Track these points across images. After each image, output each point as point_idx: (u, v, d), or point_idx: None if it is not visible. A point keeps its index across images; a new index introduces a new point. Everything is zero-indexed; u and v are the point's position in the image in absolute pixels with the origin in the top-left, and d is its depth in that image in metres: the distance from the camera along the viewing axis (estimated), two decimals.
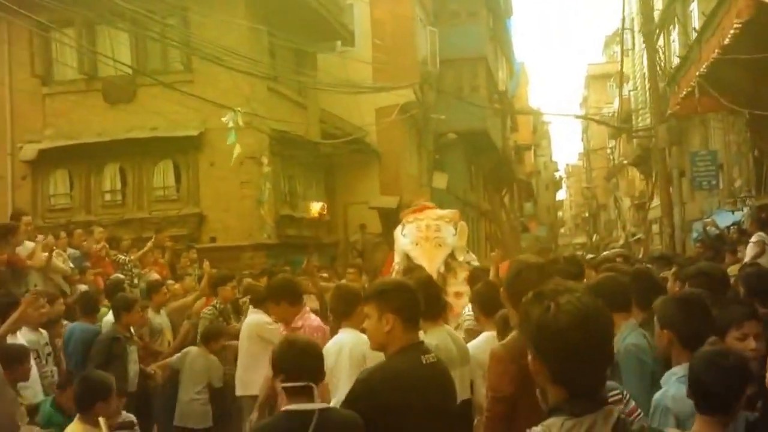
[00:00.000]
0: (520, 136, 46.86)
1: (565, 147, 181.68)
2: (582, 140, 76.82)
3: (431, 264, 8.23)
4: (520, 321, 2.47)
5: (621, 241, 44.72)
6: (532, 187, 55.64)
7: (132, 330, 8.01)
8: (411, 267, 8.35)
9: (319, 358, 3.49)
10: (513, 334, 3.63)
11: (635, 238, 38.92)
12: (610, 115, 42.98)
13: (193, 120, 15.79)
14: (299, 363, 3.34)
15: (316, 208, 17.81)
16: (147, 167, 16.46)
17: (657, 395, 3.52)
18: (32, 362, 7.19)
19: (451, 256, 8.56)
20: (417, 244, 8.59)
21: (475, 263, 8.70)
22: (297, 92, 18.73)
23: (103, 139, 16.01)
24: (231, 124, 12.89)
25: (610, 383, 3.94)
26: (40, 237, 10.66)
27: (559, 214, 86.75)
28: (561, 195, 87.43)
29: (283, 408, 3.37)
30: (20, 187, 16.46)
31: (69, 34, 16.05)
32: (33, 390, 7.13)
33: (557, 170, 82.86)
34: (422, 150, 22.12)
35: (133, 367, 7.83)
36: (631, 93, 34.16)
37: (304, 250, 16.86)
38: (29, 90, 16.37)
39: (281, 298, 5.82)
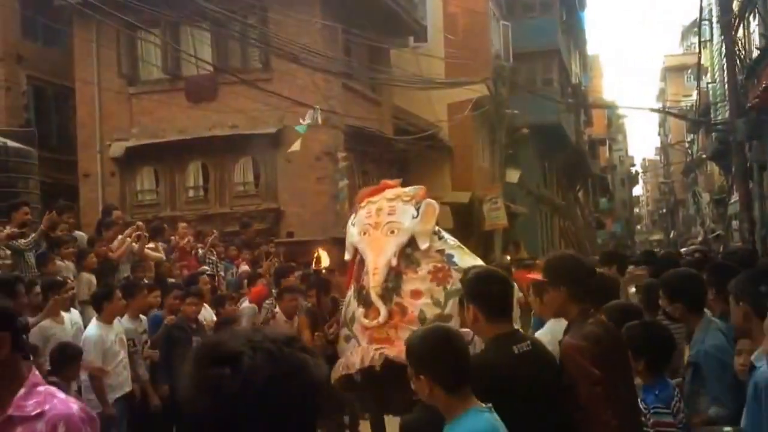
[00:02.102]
0: (595, 130, 46.24)
1: (642, 141, 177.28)
2: (659, 134, 75.26)
3: (378, 257, 6.63)
4: None
5: (699, 238, 43.72)
6: (607, 182, 54.75)
7: (200, 320, 8.39)
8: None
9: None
10: (589, 323, 3.72)
11: (714, 234, 37.99)
12: (689, 107, 42.02)
13: (271, 118, 16.24)
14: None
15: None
16: (228, 164, 17.01)
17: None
18: (122, 352, 7.65)
19: (412, 244, 6.73)
20: (365, 234, 6.89)
21: (452, 250, 6.84)
22: (371, 89, 19.04)
23: (186, 137, 16.59)
24: (310, 121, 13.23)
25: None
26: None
27: (636, 210, 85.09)
28: (637, 190, 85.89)
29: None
30: (109, 183, 17.18)
31: (154, 34, 16.68)
32: (122, 377, 7.59)
33: (633, 165, 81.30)
34: (495, 145, 22.18)
35: None
36: (710, 86, 33.35)
37: None
38: (116, 90, 17.06)
39: None
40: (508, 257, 20.07)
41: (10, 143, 11.12)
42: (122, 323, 7.78)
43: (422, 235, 6.71)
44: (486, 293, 3.54)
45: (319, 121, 13.66)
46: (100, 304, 7.64)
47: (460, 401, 2.92)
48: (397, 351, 5.88)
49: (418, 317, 6.20)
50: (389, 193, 7.17)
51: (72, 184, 17.25)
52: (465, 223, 20.52)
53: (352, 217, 7.27)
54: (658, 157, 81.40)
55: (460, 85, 19.12)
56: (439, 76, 20.24)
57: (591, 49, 43.90)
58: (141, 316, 8.11)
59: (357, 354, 6.27)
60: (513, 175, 22.19)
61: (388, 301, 6.32)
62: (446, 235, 7.05)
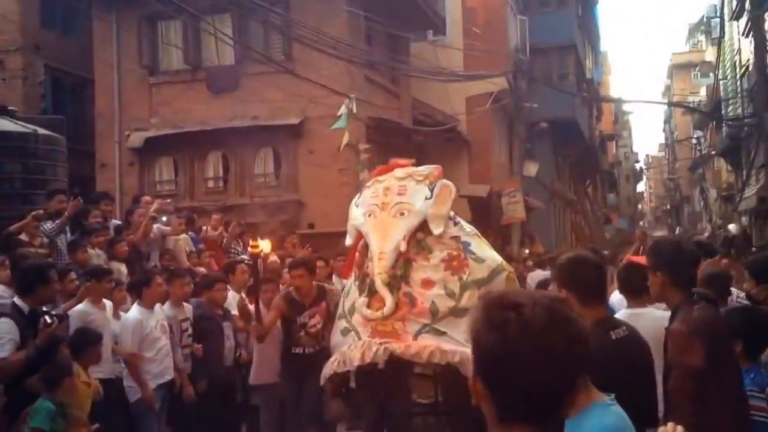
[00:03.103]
0: (602, 126, 46.25)
1: (645, 138, 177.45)
2: (664, 131, 75.31)
3: (385, 240, 5.89)
4: None
5: (706, 234, 43.70)
6: (615, 177, 54.84)
7: (225, 306, 8.29)
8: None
9: None
10: (696, 309, 3.62)
11: (722, 231, 37.97)
12: (696, 104, 42.07)
13: (293, 109, 16.15)
14: None
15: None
16: (248, 155, 16.88)
17: None
18: (164, 338, 7.57)
19: (424, 229, 6.03)
20: (370, 215, 6.18)
21: (469, 238, 6.14)
22: (391, 81, 18.95)
23: (207, 127, 16.44)
24: (345, 111, 13.12)
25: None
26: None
27: (638, 206, 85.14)
28: (640, 187, 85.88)
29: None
30: (127, 173, 17.07)
31: (175, 25, 16.60)
32: (164, 364, 7.50)
33: (637, 161, 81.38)
34: (514, 138, 22.11)
35: (227, 343, 8.13)
36: (721, 82, 33.35)
37: None
38: (137, 79, 16.96)
39: None
40: (527, 250, 20.05)
41: (40, 130, 11.06)
42: (164, 310, 7.72)
43: (436, 219, 6.02)
44: (581, 279, 3.39)
45: (354, 110, 13.54)
46: (139, 289, 7.63)
47: (582, 393, 2.61)
48: (404, 346, 5.45)
49: (429, 309, 5.63)
50: (399, 171, 6.46)
51: (88, 175, 17.13)
52: (483, 216, 20.43)
53: (356, 197, 6.66)
54: (661, 154, 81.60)
55: (482, 78, 19.02)
56: (458, 69, 20.15)
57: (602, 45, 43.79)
58: (185, 304, 8.01)
59: (357, 349, 5.60)
60: (531, 169, 22.13)
61: (395, 290, 5.74)
62: (462, 222, 6.47)
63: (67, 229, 9.63)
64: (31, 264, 6.57)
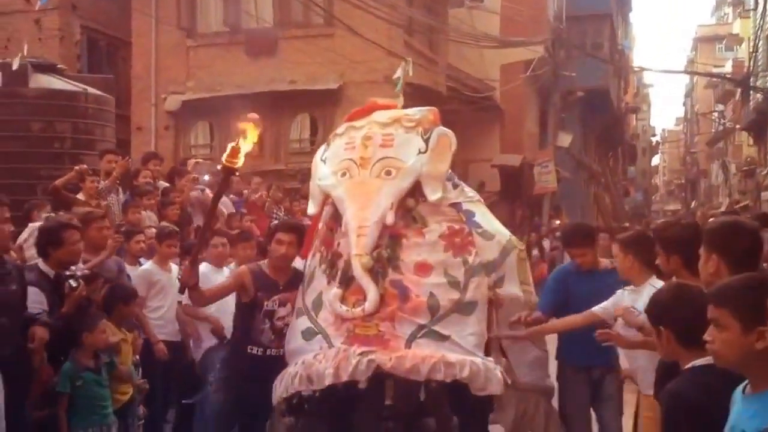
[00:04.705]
0: (627, 99, 45.96)
1: (662, 113, 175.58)
2: (684, 104, 74.79)
3: (365, 209, 4.46)
4: None
5: (722, 208, 43.52)
6: (636, 150, 54.62)
7: None
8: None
9: None
10: None
11: (742, 205, 37.76)
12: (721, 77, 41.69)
13: (332, 74, 16.02)
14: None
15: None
16: (285, 120, 16.79)
17: None
18: (230, 299, 7.56)
19: (415, 193, 4.62)
20: (344, 175, 4.67)
21: (472, 206, 4.78)
22: (429, 47, 18.77)
23: (244, 91, 16.28)
24: (401, 74, 12.98)
25: None
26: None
27: (653, 180, 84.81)
28: (654, 161, 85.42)
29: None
30: (163, 137, 17.01)
31: None
32: (228, 324, 7.51)
33: (654, 135, 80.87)
34: (548, 107, 21.90)
35: None
36: (753, 55, 33.00)
37: None
38: (174, 42, 16.83)
39: None
40: (558, 221, 19.94)
41: (90, 90, 10.95)
42: (225, 270, 7.70)
43: (433, 181, 4.58)
44: (735, 244, 3.17)
45: (410, 73, 13.37)
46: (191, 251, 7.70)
47: None
48: (395, 358, 4.14)
49: (427, 304, 4.28)
50: (381, 115, 4.89)
51: (122, 137, 17.02)
52: (514, 186, 20.34)
53: (322, 150, 5.10)
54: (678, 128, 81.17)
55: (523, 44, 18.80)
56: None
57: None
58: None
59: (329, 359, 4.21)
60: (565, 140, 21.98)
61: (380, 277, 4.35)
62: (463, 184, 5.06)
63: (119, 189, 9.61)
64: (45, 225, 6.07)
